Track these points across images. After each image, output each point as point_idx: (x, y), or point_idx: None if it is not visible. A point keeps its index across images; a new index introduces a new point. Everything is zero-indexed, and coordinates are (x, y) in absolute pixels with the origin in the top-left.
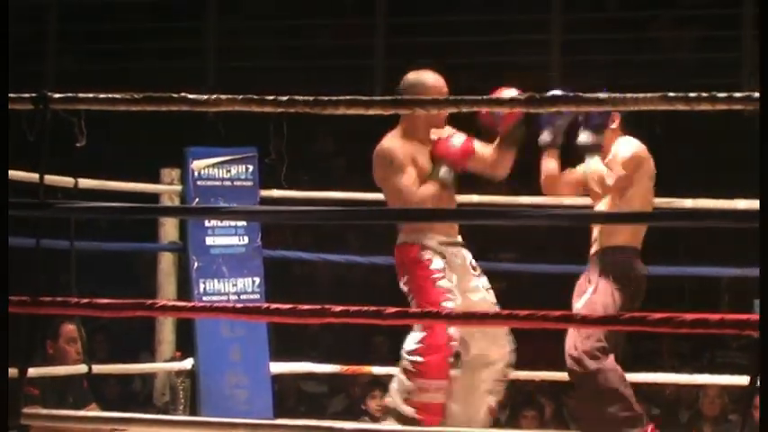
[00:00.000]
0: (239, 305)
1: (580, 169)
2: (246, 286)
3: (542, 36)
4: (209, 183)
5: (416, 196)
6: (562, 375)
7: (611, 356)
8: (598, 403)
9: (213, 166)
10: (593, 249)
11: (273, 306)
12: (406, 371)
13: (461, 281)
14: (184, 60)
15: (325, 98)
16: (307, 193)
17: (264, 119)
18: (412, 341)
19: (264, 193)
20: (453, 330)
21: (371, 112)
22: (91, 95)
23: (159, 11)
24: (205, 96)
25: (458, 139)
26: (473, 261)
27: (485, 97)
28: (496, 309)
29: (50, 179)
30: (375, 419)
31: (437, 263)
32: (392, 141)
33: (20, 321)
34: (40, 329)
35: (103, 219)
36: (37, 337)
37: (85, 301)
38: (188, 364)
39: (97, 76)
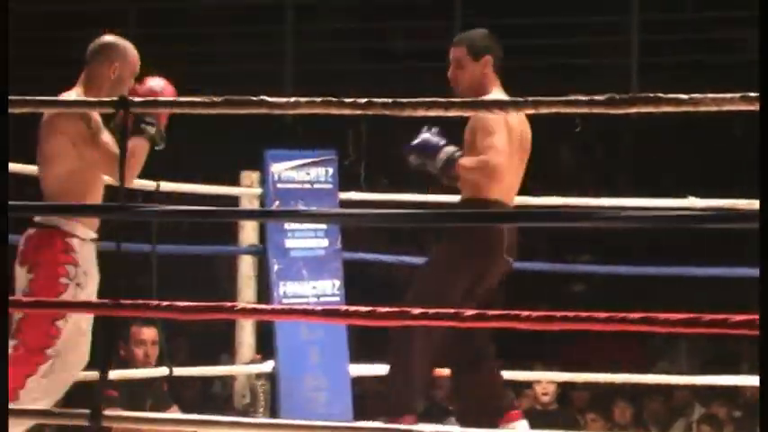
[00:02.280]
0: (319, 308)
1: None
2: (326, 289)
3: (620, 38)
4: (289, 185)
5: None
6: (639, 378)
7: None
8: None
9: (293, 168)
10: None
11: (352, 308)
12: None
13: (92, 279)
14: (262, 63)
15: (404, 100)
16: (385, 195)
17: (343, 121)
18: None
19: (343, 195)
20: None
21: (451, 113)
22: (171, 99)
23: (237, 14)
24: (284, 99)
25: (157, 83)
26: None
27: (560, 98)
28: None
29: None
30: None
31: (76, 265)
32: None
33: (100, 324)
34: (118, 333)
35: (183, 222)
36: (115, 340)
37: (165, 303)
38: (268, 366)
39: (176, 79)
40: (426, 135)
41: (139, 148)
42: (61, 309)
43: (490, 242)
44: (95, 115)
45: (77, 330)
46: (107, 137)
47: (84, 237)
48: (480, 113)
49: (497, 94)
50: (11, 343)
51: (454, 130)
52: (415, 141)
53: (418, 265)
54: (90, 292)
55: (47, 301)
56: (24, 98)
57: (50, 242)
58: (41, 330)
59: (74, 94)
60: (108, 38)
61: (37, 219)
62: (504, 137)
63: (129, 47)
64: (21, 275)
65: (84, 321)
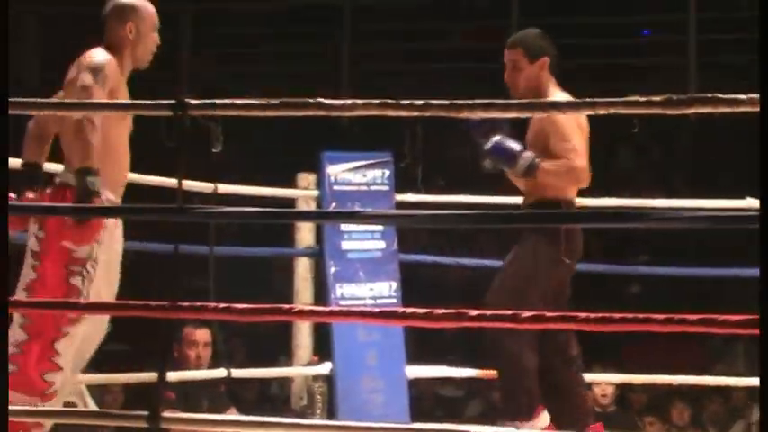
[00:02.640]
0: (376, 309)
1: None
2: (383, 290)
3: (679, 37)
4: (346, 187)
5: (91, 126)
6: (698, 380)
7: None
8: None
9: (349, 170)
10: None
11: (410, 310)
12: None
13: (110, 238)
14: (319, 65)
15: (461, 101)
16: (442, 196)
17: (399, 123)
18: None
19: (400, 197)
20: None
21: (508, 115)
22: (228, 101)
23: (294, 16)
24: (341, 101)
25: None
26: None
27: (617, 99)
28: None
29: (190, 184)
30: None
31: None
32: (107, 57)
33: (157, 326)
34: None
35: (239, 223)
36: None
37: (223, 305)
38: (325, 368)
39: (232, 80)
40: (501, 140)
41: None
42: (109, 311)
43: (571, 244)
44: (112, 74)
45: (97, 291)
46: (100, 95)
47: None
48: (551, 116)
49: (558, 95)
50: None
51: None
52: (491, 145)
53: (474, 266)
54: (109, 249)
55: (103, 303)
56: (83, 102)
57: (63, 198)
58: (58, 292)
59: (101, 53)
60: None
61: (56, 179)
62: (580, 138)
63: (144, 6)
64: (31, 233)
65: (105, 277)
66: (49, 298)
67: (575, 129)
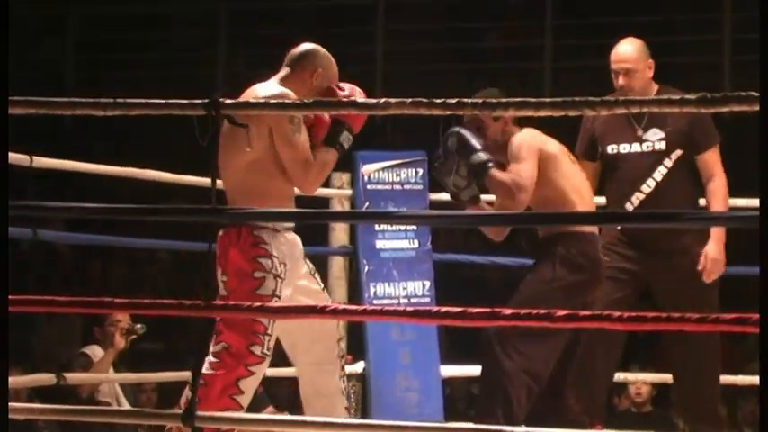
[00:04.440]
0: (410, 308)
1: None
2: (417, 289)
3: (713, 36)
4: (379, 187)
5: (313, 162)
6: (734, 379)
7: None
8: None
9: (383, 170)
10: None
11: (444, 309)
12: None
13: (294, 269)
14: (352, 65)
15: (495, 100)
16: None
17: (433, 122)
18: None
19: (434, 196)
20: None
21: (541, 114)
22: (261, 101)
23: (327, 16)
24: (374, 100)
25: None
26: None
27: (652, 98)
28: (326, 296)
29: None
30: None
31: (270, 257)
32: (285, 92)
33: (193, 325)
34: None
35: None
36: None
37: (257, 304)
38: (359, 367)
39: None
40: (466, 131)
41: (331, 162)
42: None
43: (589, 257)
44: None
45: (289, 323)
46: (305, 137)
47: (275, 228)
48: (513, 140)
49: (524, 132)
50: (216, 347)
51: None
52: (456, 131)
53: (510, 266)
54: (294, 283)
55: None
56: (116, 101)
57: (238, 239)
58: (244, 330)
59: (274, 85)
60: (313, 45)
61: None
62: (533, 165)
63: (331, 58)
64: (218, 279)
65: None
66: (238, 337)
67: (531, 155)
